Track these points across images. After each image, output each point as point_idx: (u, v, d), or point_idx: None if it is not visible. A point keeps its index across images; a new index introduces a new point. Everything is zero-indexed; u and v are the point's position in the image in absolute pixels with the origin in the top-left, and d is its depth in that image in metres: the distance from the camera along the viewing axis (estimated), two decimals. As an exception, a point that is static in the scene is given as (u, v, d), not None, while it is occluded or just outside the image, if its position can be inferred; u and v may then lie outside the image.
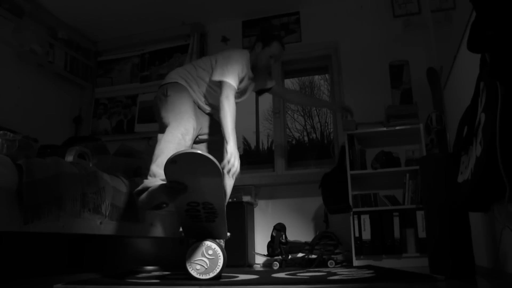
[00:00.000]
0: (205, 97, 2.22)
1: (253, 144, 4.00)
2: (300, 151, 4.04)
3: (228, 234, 1.89)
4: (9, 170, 1.50)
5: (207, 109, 2.28)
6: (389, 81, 3.20)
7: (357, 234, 2.78)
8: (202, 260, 1.71)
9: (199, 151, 1.50)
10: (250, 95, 2.52)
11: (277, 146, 3.61)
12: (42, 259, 2.36)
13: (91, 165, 2.08)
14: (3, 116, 2.95)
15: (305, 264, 2.84)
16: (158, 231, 2.38)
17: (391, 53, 3.31)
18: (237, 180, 2.20)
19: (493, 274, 1.73)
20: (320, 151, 3.89)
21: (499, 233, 1.58)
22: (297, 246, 2.95)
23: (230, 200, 2.49)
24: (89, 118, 4.04)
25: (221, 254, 1.72)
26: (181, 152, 1.48)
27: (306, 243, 2.95)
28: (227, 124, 1.95)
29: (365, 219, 2.79)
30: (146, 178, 1.80)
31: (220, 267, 1.71)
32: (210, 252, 1.72)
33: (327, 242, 2.85)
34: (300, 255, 2.96)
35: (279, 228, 2.93)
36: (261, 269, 2.84)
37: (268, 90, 2.64)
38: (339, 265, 2.81)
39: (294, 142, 4.11)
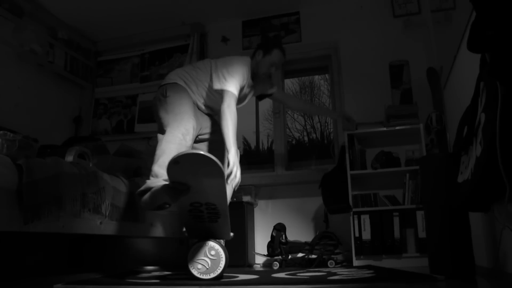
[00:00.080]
0: (203, 98, 2.22)
1: (253, 144, 4.00)
2: (300, 151, 4.04)
3: (232, 234, 1.89)
4: (9, 170, 1.50)
5: (206, 110, 2.28)
6: (389, 81, 3.20)
7: (357, 234, 2.78)
8: (204, 260, 1.72)
9: (201, 152, 1.50)
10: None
11: (277, 146, 3.61)
12: (42, 259, 2.36)
13: (91, 165, 2.08)
14: (3, 116, 2.95)
15: (305, 264, 2.85)
16: (158, 231, 2.38)
17: (391, 53, 3.31)
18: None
19: (493, 274, 1.73)
20: (320, 151, 3.89)
21: (499, 233, 1.58)
22: (297, 246, 2.95)
23: (230, 200, 2.49)
24: (89, 118, 4.04)
25: (223, 255, 1.72)
26: (184, 153, 1.48)
27: (306, 243, 2.95)
28: (229, 134, 1.94)
29: (365, 219, 2.79)
30: (148, 179, 1.80)
31: (221, 268, 1.71)
32: (213, 252, 1.72)
33: (327, 242, 2.85)
34: (300, 255, 2.96)
35: (279, 228, 2.93)
36: (261, 269, 2.84)
37: (269, 96, 2.64)
38: (339, 265, 2.81)
39: (294, 142, 4.11)
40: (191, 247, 1.75)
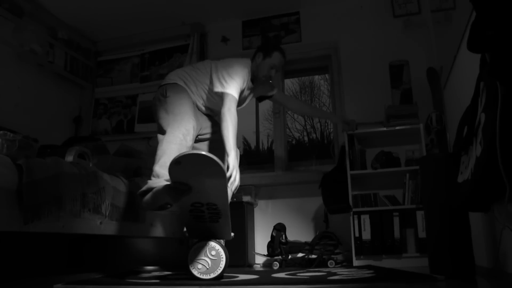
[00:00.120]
0: (203, 99, 2.22)
1: (253, 144, 4.00)
2: (300, 151, 4.04)
3: (232, 234, 1.89)
4: (9, 170, 1.50)
5: (205, 111, 2.28)
6: (389, 81, 3.20)
7: (357, 234, 2.78)
8: (204, 260, 1.72)
9: (203, 152, 1.50)
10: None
11: (277, 146, 3.61)
12: (42, 259, 2.36)
13: (91, 165, 2.08)
14: (3, 116, 2.95)
15: (305, 264, 2.85)
16: (158, 231, 2.38)
17: (391, 53, 3.31)
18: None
19: (493, 274, 1.73)
20: (320, 151, 3.89)
21: (499, 233, 1.58)
22: (297, 246, 2.95)
23: (230, 201, 2.49)
24: (89, 118, 4.04)
25: (223, 255, 1.72)
26: (185, 153, 1.49)
27: (306, 243, 2.95)
28: (229, 137, 1.94)
29: (365, 219, 2.79)
30: (150, 179, 1.81)
31: (222, 268, 1.71)
32: (213, 252, 1.72)
33: (327, 242, 2.85)
34: (300, 255, 2.96)
35: (279, 228, 2.93)
36: (261, 269, 2.84)
37: (269, 97, 2.64)
38: (339, 265, 2.81)
39: (294, 142, 4.11)
40: (192, 247, 1.75)
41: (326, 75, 3.99)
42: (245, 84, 2.19)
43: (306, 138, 4.20)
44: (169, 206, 1.79)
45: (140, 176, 2.36)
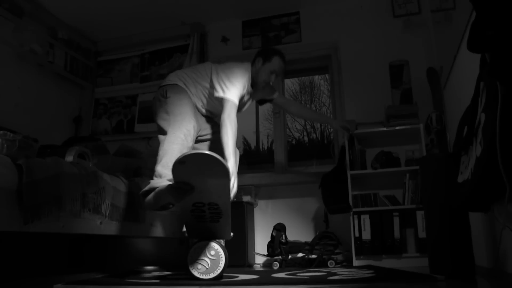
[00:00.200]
0: (202, 101, 2.22)
1: (253, 144, 4.00)
2: (300, 151, 4.04)
3: (231, 234, 1.89)
4: (9, 170, 1.50)
5: (205, 113, 2.27)
6: (389, 81, 3.21)
7: (357, 234, 2.78)
8: (204, 260, 1.72)
9: (208, 152, 1.50)
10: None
11: (277, 146, 3.61)
12: (42, 259, 2.36)
13: (91, 165, 2.08)
14: (3, 116, 2.95)
15: (305, 264, 2.84)
16: (158, 231, 2.38)
17: (391, 53, 3.31)
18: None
19: (493, 274, 1.73)
20: (320, 151, 3.89)
21: (499, 233, 1.58)
22: (297, 246, 2.95)
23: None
24: (89, 118, 4.04)
25: (223, 255, 1.72)
26: (190, 153, 1.49)
27: (306, 243, 2.95)
28: (228, 144, 1.94)
29: (365, 219, 2.79)
30: (151, 179, 1.81)
31: (221, 268, 1.71)
32: (213, 252, 1.72)
33: (327, 242, 2.85)
34: (300, 255, 2.96)
35: (279, 228, 2.93)
36: (261, 269, 2.84)
37: (270, 101, 2.63)
38: (339, 265, 2.81)
39: (294, 142, 4.11)
40: (191, 247, 1.75)
41: (326, 75, 3.99)
42: (245, 90, 2.19)
43: (306, 138, 4.21)
44: (171, 206, 1.79)
45: (140, 176, 2.36)
